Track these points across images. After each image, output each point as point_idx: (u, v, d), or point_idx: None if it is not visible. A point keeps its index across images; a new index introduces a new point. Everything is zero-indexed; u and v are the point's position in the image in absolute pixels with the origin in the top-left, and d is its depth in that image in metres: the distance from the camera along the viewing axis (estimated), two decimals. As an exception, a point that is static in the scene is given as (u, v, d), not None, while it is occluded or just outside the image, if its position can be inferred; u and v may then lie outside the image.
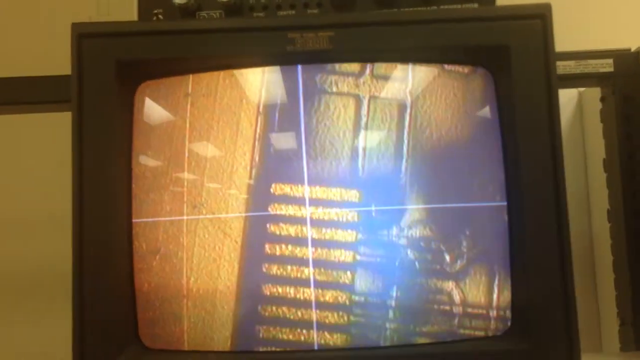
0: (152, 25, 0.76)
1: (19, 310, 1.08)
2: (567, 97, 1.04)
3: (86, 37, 0.70)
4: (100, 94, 0.69)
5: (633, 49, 0.81)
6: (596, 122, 0.86)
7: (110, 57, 0.69)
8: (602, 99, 0.84)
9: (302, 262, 0.71)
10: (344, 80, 0.72)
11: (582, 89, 1.03)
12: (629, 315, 0.80)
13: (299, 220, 0.71)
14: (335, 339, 0.70)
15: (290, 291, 0.70)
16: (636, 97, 0.80)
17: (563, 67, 0.79)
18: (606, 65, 0.80)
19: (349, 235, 0.71)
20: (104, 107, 0.69)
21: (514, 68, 0.68)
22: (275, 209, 0.71)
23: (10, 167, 1.10)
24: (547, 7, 0.69)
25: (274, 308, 0.70)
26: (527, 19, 0.69)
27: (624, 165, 0.81)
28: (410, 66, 0.72)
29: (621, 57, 0.80)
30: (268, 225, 0.71)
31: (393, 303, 0.70)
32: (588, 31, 1.05)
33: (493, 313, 0.70)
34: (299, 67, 0.72)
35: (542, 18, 0.68)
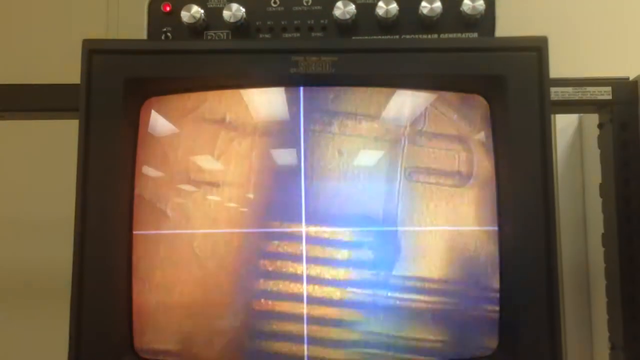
0: (160, 44, 0.77)
1: (17, 314, 1.08)
2: (567, 122, 1.05)
3: (96, 53, 0.72)
4: (108, 108, 0.71)
5: (631, 77, 0.82)
6: (594, 147, 0.87)
7: (118, 73, 0.71)
8: (600, 126, 0.85)
9: (297, 278, 0.72)
10: (344, 101, 0.74)
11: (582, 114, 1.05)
12: (620, 340, 0.81)
13: (296, 237, 0.72)
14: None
15: (284, 306, 0.72)
16: (633, 124, 0.81)
17: (562, 93, 0.79)
18: (604, 93, 0.80)
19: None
20: (110, 120, 0.71)
21: (509, 97, 0.70)
22: (272, 226, 0.73)
23: (18, 170, 1.11)
24: (544, 40, 0.70)
25: (267, 322, 0.72)
26: (524, 51, 0.70)
27: (620, 191, 0.82)
28: (408, 92, 0.74)
29: (619, 85, 0.81)
30: (265, 242, 0.73)
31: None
32: (588, 58, 1.06)
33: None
34: (301, 88, 0.74)
35: (538, 50, 0.70)
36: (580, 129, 1.06)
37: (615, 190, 0.82)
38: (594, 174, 0.88)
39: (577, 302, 1.03)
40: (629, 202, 0.81)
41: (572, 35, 1.07)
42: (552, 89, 0.77)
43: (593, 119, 0.86)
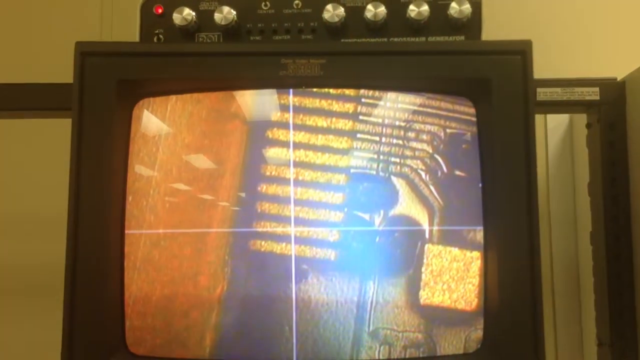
0: (152, 46, 0.78)
1: (10, 312, 1.09)
2: (557, 121, 1.06)
3: (89, 55, 0.73)
4: (100, 109, 0.72)
5: (619, 78, 0.82)
6: (584, 147, 0.88)
7: (111, 75, 0.72)
8: (588, 126, 0.86)
9: (286, 273, 0.73)
10: (332, 103, 0.75)
11: (572, 113, 1.05)
12: (607, 337, 0.82)
13: (284, 238, 0.74)
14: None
15: (273, 303, 0.73)
16: (621, 125, 0.82)
17: (550, 93, 0.80)
18: (592, 93, 0.81)
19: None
20: (103, 120, 0.72)
21: (494, 99, 0.71)
22: (261, 226, 0.74)
23: (12, 169, 1.12)
24: (528, 44, 0.71)
25: (257, 320, 0.73)
26: (509, 54, 0.71)
27: (607, 190, 0.83)
28: (395, 94, 0.75)
29: (607, 85, 0.82)
30: (253, 241, 0.74)
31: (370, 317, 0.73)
32: (576, 59, 1.07)
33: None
34: (291, 90, 0.75)
35: (522, 54, 0.71)
36: (570, 128, 1.07)
37: (603, 190, 0.83)
38: (584, 173, 0.89)
39: (568, 299, 1.04)
40: (616, 202, 0.82)
41: (560, 36, 1.08)
42: (541, 89, 0.78)
43: (583, 118, 0.87)
